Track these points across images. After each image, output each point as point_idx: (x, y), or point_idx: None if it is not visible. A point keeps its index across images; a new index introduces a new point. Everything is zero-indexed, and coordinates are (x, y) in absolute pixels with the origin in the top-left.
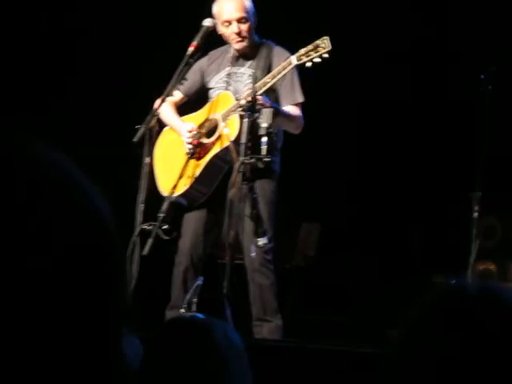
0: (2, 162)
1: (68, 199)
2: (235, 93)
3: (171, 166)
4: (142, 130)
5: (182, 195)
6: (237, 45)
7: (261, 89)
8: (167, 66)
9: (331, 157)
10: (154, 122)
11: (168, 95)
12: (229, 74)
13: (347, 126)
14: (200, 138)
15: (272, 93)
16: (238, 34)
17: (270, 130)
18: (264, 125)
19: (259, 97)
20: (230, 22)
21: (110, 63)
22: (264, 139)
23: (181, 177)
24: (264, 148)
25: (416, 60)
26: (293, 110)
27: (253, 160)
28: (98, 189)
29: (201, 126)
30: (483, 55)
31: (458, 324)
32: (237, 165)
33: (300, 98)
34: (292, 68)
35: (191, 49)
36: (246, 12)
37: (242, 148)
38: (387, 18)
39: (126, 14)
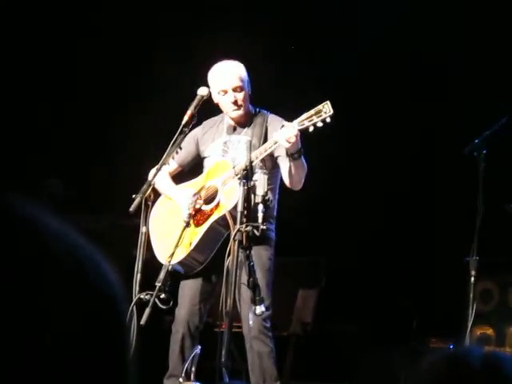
0: (11, 234)
1: (83, 276)
2: (232, 161)
3: (168, 233)
4: (138, 199)
5: (179, 263)
6: (233, 113)
7: (262, 154)
8: (162, 135)
9: (326, 224)
10: (149, 191)
11: (163, 164)
12: (225, 143)
13: (342, 190)
14: (198, 205)
15: (270, 159)
16: (235, 103)
17: (266, 197)
18: (260, 192)
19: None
20: (225, 92)
21: (106, 132)
22: (260, 207)
23: (178, 245)
24: (260, 216)
25: (412, 125)
26: None
27: (249, 228)
28: (108, 262)
29: (197, 194)
30: (477, 120)
31: None
32: (233, 233)
33: None
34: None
35: (186, 118)
36: (242, 81)
37: (238, 216)
38: (384, 83)
39: (123, 82)
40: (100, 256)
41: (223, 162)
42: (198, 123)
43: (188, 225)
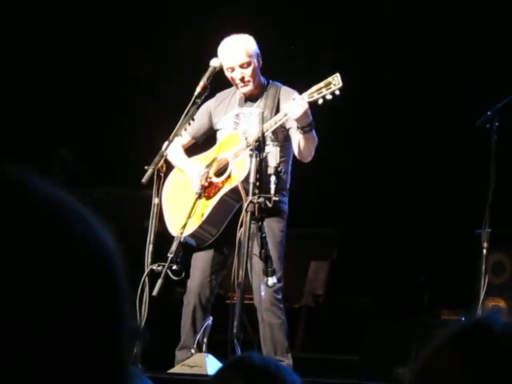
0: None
1: (72, 233)
2: (244, 133)
3: (180, 206)
4: (150, 171)
5: (191, 235)
6: (242, 89)
7: (272, 126)
8: (174, 107)
9: (338, 195)
10: (162, 162)
11: (176, 135)
12: (237, 115)
13: (354, 162)
14: (209, 177)
15: (281, 131)
16: (242, 79)
17: (279, 168)
18: (272, 164)
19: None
20: (233, 69)
21: (119, 105)
22: (272, 178)
23: (190, 217)
24: (273, 187)
25: (423, 95)
26: None
27: (261, 199)
28: (103, 225)
29: (209, 166)
30: (490, 92)
31: (484, 360)
32: (245, 204)
33: None
34: None
35: (198, 89)
36: (249, 56)
37: (251, 187)
38: (392, 55)
39: (136, 54)
40: (94, 218)
41: (235, 135)
42: (212, 95)
43: (200, 197)
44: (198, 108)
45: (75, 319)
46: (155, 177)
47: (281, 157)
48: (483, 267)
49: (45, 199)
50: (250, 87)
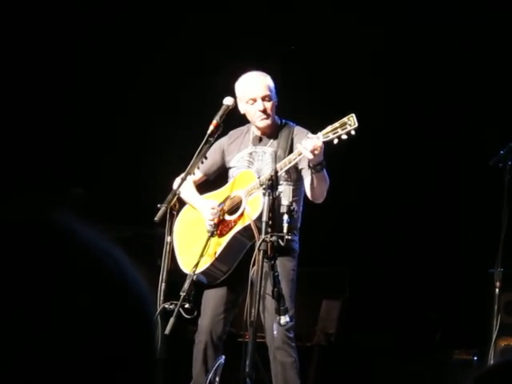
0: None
1: (103, 271)
2: (258, 172)
3: (192, 243)
4: (163, 209)
5: (203, 273)
6: (261, 122)
7: (286, 165)
8: (187, 145)
9: (350, 234)
10: (174, 200)
11: (189, 174)
12: (251, 154)
13: (366, 201)
14: (222, 215)
15: (294, 171)
16: (264, 111)
17: (291, 207)
18: (285, 202)
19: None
20: (255, 100)
21: (132, 143)
22: (285, 217)
23: (202, 255)
24: (285, 226)
25: (434, 136)
26: None
27: (274, 238)
28: (138, 271)
29: (222, 204)
30: (503, 131)
31: None
32: (258, 243)
33: None
34: None
35: (211, 127)
36: (270, 91)
37: (263, 226)
38: (404, 93)
39: (153, 97)
40: (126, 259)
41: (248, 173)
42: (224, 134)
43: (212, 235)
44: (210, 146)
45: (110, 358)
46: (168, 215)
47: (293, 196)
48: (496, 307)
49: (76, 238)
50: (268, 121)
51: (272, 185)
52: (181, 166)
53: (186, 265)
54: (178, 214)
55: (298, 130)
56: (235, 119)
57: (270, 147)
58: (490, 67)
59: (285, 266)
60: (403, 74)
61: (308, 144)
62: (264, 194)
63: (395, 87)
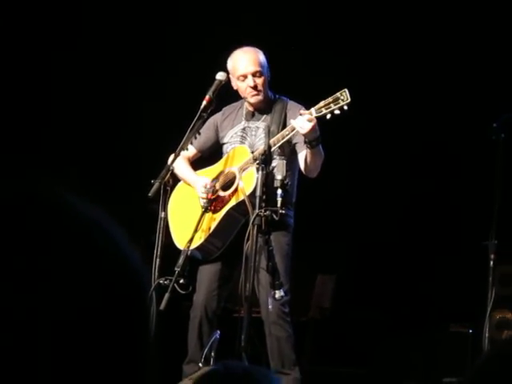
0: (36, 211)
1: (96, 247)
2: (251, 147)
3: (186, 219)
4: (156, 184)
5: (197, 249)
6: (252, 98)
7: (279, 141)
8: (180, 120)
9: (345, 209)
10: (168, 176)
11: (182, 149)
12: (244, 129)
13: (361, 176)
14: (215, 191)
15: (287, 145)
16: (254, 87)
17: (285, 181)
18: (279, 177)
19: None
20: (245, 76)
21: (124, 119)
22: (279, 191)
23: (196, 230)
24: (279, 200)
25: (428, 109)
26: None
27: (268, 212)
28: (127, 238)
29: (216, 180)
30: (495, 103)
31: None
32: (252, 217)
33: None
34: None
35: (204, 102)
36: (261, 66)
37: (257, 201)
38: (400, 69)
39: (141, 72)
40: (118, 230)
41: (241, 148)
42: (218, 109)
43: (206, 210)
44: (203, 122)
45: (104, 330)
46: (162, 191)
47: (287, 171)
48: (490, 279)
49: (75, 214)
50: (260, 97)
51: (265, 159)
52: (175, 140)
53: (181, 240)
54: (171, 189)
55: (292, 105)
56: (229, 92)
57: (263, 122)
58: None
59: (279, 240)
60: (397, 54)
61: (301, 119)
62: (257, 169)
63: (388, 65)
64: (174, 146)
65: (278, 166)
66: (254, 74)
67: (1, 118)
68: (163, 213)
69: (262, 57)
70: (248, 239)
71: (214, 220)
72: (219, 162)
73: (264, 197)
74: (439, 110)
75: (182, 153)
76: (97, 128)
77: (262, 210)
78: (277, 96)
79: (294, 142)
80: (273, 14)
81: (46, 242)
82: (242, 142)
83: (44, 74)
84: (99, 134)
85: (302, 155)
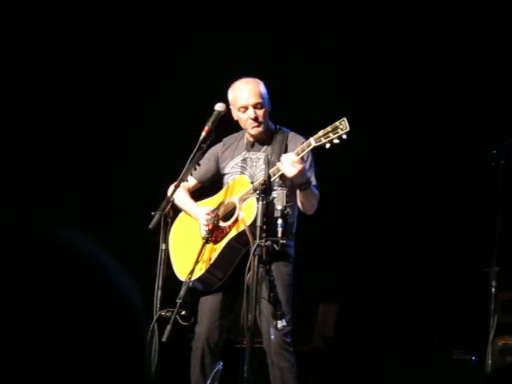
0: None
1: (92, 278)
2: (251, 177)
3: (187, 250)
4: (157, 216)
5: (198, 280)
6: (253, 130)
7: (279, 171)
8: (179, 151)
9: (345, 237)
10: (168, 208)
11: (182, 181)
12: (244, 160)
13: (360, 205)
14: (216, 221)
15: (288, 177)
16: (255, 119)
17: (285, 211)
18: (279, 207)
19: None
20: (246, 108)
21: (124, 150)
22: (279, 221)
23: (197, 262)
24: (280, 230)
25: (427, 137)
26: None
27: (269, 242)
28: (122, 271)
29: (216, 210)
30: (495, 130)
31: None
32: (253, 248)
33: (314, 181)
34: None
35: (203, 133)
36: (262, 98)
37: (258, 231)
38: (401, 94)
39: (140, 102)
40: (115, 266)
41: (242, 179)
42: (219, 140)
43: (207, 241)
44: (203, 153)
45: (101, 367)
46: (162, 222)
47: (287, 202)
48: (492, 306)
49: (64, 247)
50: (260, 129)
51: (265, 190)
52: (174, 173)
53: (182, 272)
54: (172, 221)
55: (293, 136)
56: (229, 123)
57: (263, 153)
58: (485, 66)
59: (280, 271)
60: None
61: (285, 164)
62: (258, 199)
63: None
64: (174, 177)
65: (279, 196)
66: (254, 106)
67: None
68: (164, 244)
69: (262, 88)
70: (249, 269)
71: (214, 251)
72: (220, 193)
73: (264, 227)
74: (438, 137)
75: (182, 184)
76: (96, 159)
77: (263, 241)
78: (277, 127)
79: None
80: (272, 42)
81: (42, 278)
82: (242, 173)
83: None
84: (99, 165)
85: (298, 192)
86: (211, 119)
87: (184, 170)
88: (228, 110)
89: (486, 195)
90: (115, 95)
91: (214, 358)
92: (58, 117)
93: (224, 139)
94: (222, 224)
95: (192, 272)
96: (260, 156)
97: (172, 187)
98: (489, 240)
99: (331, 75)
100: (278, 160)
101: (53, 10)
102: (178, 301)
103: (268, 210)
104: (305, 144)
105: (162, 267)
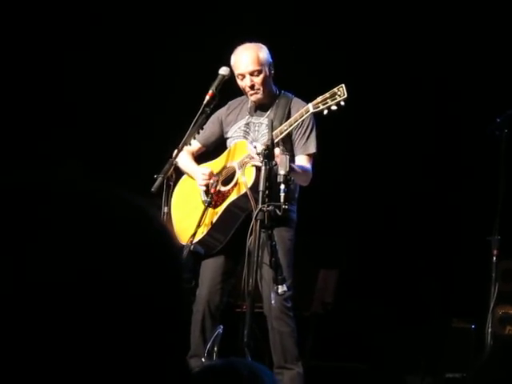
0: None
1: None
2: (253, 142)
3: (189, 214)
4: (159, 179)
5: (199, 243)
6: (252, 97)
7: (278, 136)
8: (183, 115)
9: (347, 203)
10: (171, 171)
11: (185, 144)
12: (247, 124)
13: (364, 171)
14: (217, 185)
15: (289, 141)
16: (251, 87)
17: (288, 177)
18: (282, 172)
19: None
20: (243, 76)
21: (127, 113)
22: (282, 186)
23: (198, 225)
24: (282, 195)
25: (431, 104)
26: (303, 161)
27: (271, 207)
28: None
29: (218, 174)
30: (499, 99)
31: None
32: (255, 212)
33: (312, 149)
34: (310, 117)
35: (207, 97)
36: (260, 64)
37: (260, 195)
38: (401, 64)
39: (144, 65)
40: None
41: (242, 143)
42: (223, 103)
43: (209, 205)
44: (207, 117)
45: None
46: (165, 185)
47: (290, 166)
48: (493, 275)
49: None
50: (259, 95)
51: (268, 154)
52: (178, 136)
53: (183, 235)
54: (174, 184)
55: (296, 102)
56: (235, 87)
57: (266, 118)
58: (485, 36)
59: (282, 235)
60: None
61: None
62: (260, 164)
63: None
64: (177, 141)
65: (282, 161)
66: (251, 74)
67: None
68: (166, 208)
69: (262, 54)
70: (251, 234)
71: (215, 214)
72: (221, 157)
73: (267, 192)
74: (441, 106)
75: (186, 147)
76: (100, 124)
77: (265, 205)
78: (282, 91)
79: (292, 137)
80: (274, 11)
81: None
82: (244, 137)
83: (51, 75)
84: (102, 129)
85: (298, 159)
86: (215, 83)
87: (187, 133)
88: (232, 74)
89: (488, 163)
90: (118, 64)
91: (215, 322)
92: (64, 88)
93: (229, 103)
94: (222, 188)
95: (194, 235)
96: (263, 121)
97: (175, 151)
98: (491, 209)
99: (333, 40)
100: (280, 125)
101: None
102: None
103: (271, 174)
104: (303, 110)
105: None
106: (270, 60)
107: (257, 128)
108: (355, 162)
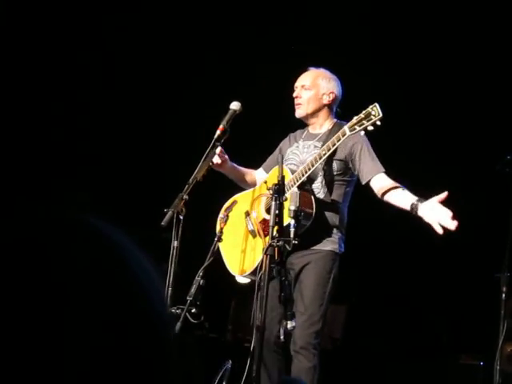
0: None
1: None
2: (300, 163)
3: (238, 244)
4: (169, 213)
5: (252, 273)
6: (296, 112)
7: (317, 161)
8: (194, 149)
9: (355, 239)
10: (181, 205)
11: (195, 178)
12: (297, 147)
13: (372, 206)
14: (227, 220)
15: (329, 165)
16: (296, 97)
17: (298, 212)
18: (292, 207)
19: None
20: (296, 87)
21: (140, 147)
22: (292, 222)
23: (250, 255)
24: (292, 231)
25: (439, 142)
26: (384, 179)
27: (281, 242)
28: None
29: (229, 209)
30: (509, 135)
31: None
32: (265, 247)
33: (382, 168)
34: (362, 139)
35: (218, 132)
36: (314, 85)
37: (270, 230)
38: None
39: (155, 102)
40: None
41: (276, 170)
42: (234, 138)
43: (254, 235)
44: (215, 150)
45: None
46: (175, 220)
47: (343, 194)
48: (502, 311)
49: (109, 238)
50: (300, 110)
51: (279, 189)
52: (189, 170)
53: (233, 267)
54: (185, 219)
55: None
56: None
57: (316, 141)
58: (496, 71)
59: (318, 265)
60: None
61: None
62: (271, 199)
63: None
64: (188, 176)
65: (291, 196)
66: (302, 86)
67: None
68: (176, 242)
69: (323, 76)
70: (261, 269)
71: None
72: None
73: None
74: (452, 142)
75: (251, 170)
76: (108, 156)
77: (275, 240)
78: (338, 121)
79: (355, 166)
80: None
81: (78, 264)
82: (294, 159)
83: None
84: (111, 161)
85: (376, 182)
86: (226, 118)
87: (198, 167)
88: (243, 109)
89: (498, 200)
90: (134, 96)
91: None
92: (76, 113)
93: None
94: (266, 216)
95: (204, 268)
96: (311, 143)
97: (186, 186)
98: (500, 245)
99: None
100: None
101: None
102: (189, 298)
103: (281, 209)
104: (340, 133)
105: (173, 264)
106: (333, 90)
107: (305, 150)
108: (364, 196)
